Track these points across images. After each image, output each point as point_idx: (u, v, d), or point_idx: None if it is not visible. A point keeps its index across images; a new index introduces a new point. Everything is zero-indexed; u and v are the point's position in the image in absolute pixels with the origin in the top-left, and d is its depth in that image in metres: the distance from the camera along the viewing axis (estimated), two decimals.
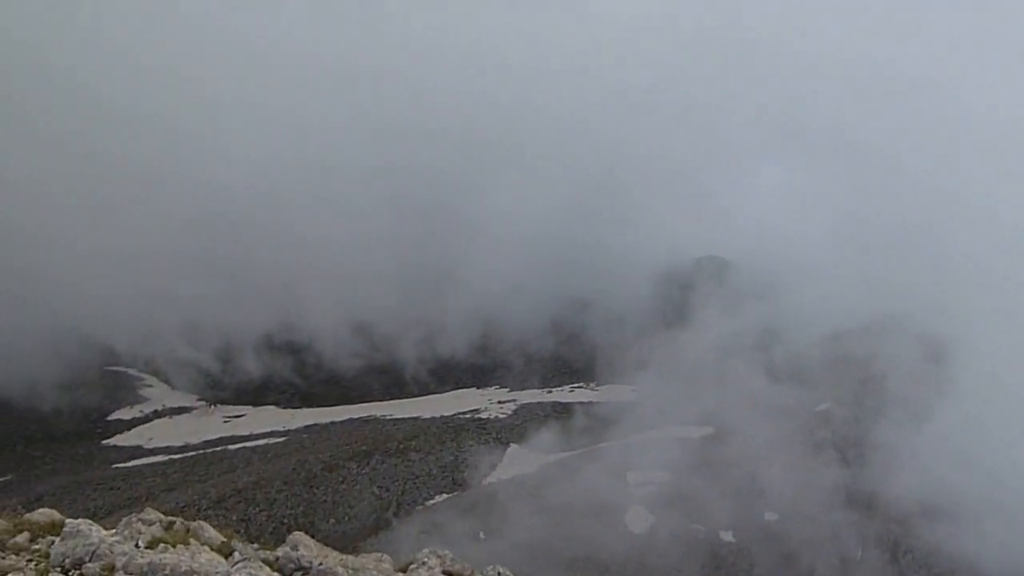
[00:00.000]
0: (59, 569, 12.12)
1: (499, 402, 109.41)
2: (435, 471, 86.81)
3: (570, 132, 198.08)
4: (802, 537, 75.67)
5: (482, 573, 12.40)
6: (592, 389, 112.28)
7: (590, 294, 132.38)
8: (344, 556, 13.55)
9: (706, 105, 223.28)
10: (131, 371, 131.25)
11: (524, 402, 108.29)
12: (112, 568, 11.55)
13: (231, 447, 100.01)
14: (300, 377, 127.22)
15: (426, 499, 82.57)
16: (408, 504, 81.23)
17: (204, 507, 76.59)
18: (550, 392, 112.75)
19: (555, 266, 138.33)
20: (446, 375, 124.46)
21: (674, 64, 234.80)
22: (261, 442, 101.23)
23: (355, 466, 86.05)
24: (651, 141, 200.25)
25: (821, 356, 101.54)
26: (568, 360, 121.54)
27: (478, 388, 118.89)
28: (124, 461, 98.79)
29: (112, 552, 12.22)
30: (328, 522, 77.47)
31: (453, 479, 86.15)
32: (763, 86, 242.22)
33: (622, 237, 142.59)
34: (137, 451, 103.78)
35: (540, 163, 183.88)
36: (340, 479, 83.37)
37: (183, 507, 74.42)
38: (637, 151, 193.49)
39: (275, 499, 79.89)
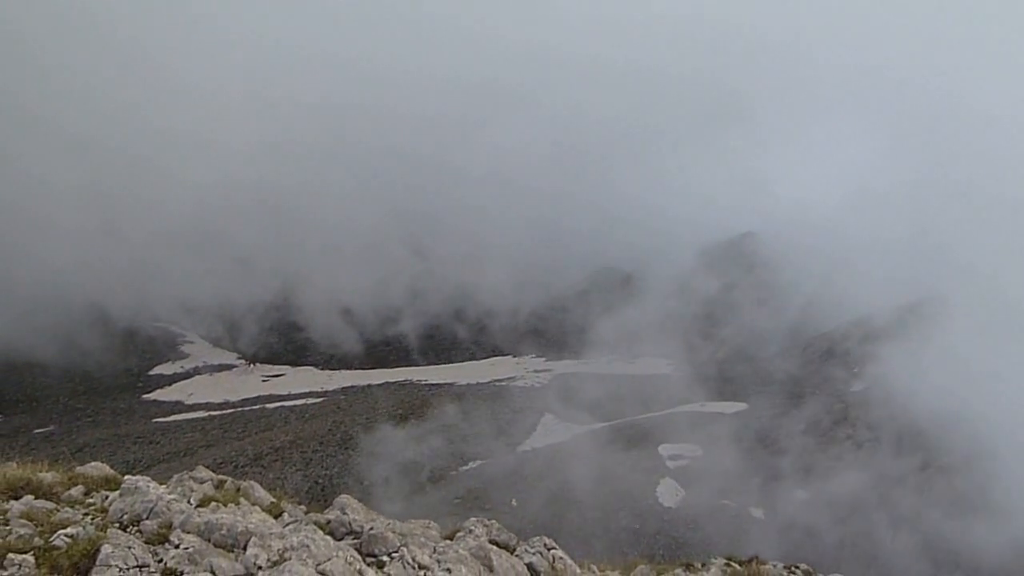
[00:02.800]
0: (117, 525, 12.43)
1: (535, 371, 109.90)
2: (469, 437, 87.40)
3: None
4: (829, 514, 75.75)
5: (528, 543, 12.65)
6: (628, 361, 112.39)
7: (630, 265, 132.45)
8: (391, 521, 13.85)
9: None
10: (173, 327, 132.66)
11: (560, 372, 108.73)
12: (170, 526, 11.89)
13: (269, 406, 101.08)
14: (340, 340, 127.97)
15: (460, 465, 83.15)
16: (441, 469, 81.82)
17: (241, 464, 77.68)
18: (586, 363, 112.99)
19: (592, 236, 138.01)
20: (484, 342, 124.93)
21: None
22: (299, 402, 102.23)
23: (390, 429, 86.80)
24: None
25: (858, 335, 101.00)
26: (604, 332, 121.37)
27: (514, 356, 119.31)
28: (164, 416, 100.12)
29: (169, 510, 12.57)
30: (363, 484, 78.24)
31: (487, 445, 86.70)
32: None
33: (660, 208, 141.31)
34: (177, 406, 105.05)
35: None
36: (375, 442, 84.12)
37: (220, 463, 75.50)
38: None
39: (311, 459, 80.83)
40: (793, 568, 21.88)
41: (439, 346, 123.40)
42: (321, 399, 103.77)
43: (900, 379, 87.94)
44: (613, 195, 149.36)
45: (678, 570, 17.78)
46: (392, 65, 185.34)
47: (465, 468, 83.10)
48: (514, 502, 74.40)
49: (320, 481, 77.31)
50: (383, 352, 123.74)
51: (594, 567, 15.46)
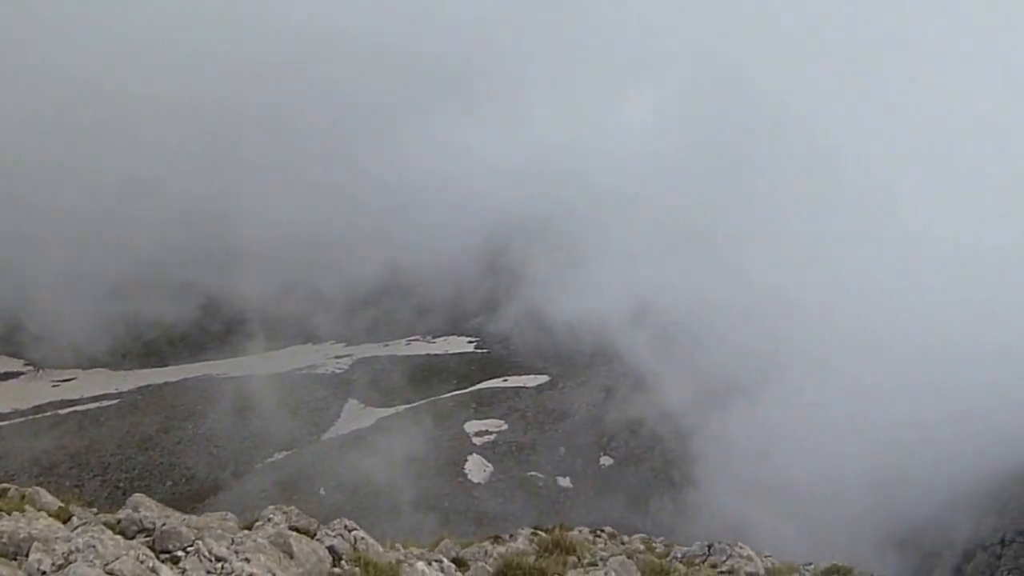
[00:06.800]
0: None
1: (335, 357, 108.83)
2: (272, 429, 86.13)
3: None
4: (635, 480, 78.14)
5: (328, 527, 12.53)
6: (429, 341, 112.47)
7: (425, 244, 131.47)
8: (187, 516, 13.49)
9: None
10: None
11: (361, 356, 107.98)
12: None
13: (61, 411, 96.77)
14: (131, 337, 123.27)
15: (265, 457, 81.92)
16: (246, 463, 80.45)
17: (36, 474, 74.42)
18: (387, 345, 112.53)
19: (385, 213, 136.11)
20: (281, 330, 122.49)
21: None
22: (93, 405, 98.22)
23: (191, 426, 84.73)
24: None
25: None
26: (402, 313, 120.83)
27: (313, 344, 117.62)
28: None
29: None
30: (165, 484, 76.20)
31: (291, 436, 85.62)
32: None
33: (448, 183, 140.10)
34: None
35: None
36: (176, 440, 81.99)
37: (13, 475, 72.00)
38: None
39: (109, 463, 78.23)
40: (599, 532, 22.35)
41: (234, 338, 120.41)
42: (116, 400, 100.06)
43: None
44: (404, 173, 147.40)
45: (485, 543, 17.88)
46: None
47: (270, 460, 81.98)
48: (322, 491, 73.82)
49: (121, 485, 74.94)
50: (178, 348, 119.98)
51: (399, 545, 15.43)
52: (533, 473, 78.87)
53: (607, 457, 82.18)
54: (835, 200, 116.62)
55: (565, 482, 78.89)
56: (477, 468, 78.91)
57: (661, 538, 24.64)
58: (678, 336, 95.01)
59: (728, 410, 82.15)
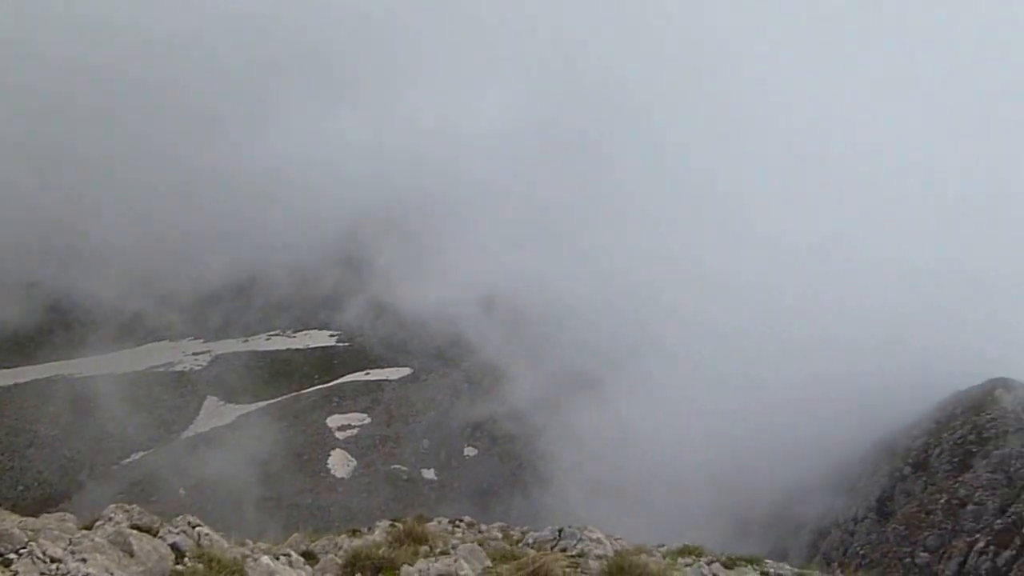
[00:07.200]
0: None
1: (194, 354, 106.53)
2: (129, 429, 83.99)
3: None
4: (501, 470, 78.82)
5: (171, 524, 12.32)
6: (289, 336, 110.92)
7: (283, 237, 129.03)
8: (23, 519, 13.13)
9: None
10: None
11: (220, 353, 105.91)
12: None
13: None
14: None
15: (121, 458, 79.89)
16: (102, 465, 78.35)
17: None
18: (246, 341, 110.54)
19: (244, 206, 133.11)
20: (138, 328, 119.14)
21: None
22: None
23: (42, 429, 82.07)
24: None
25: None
26: (261, 307, 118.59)
27: (170, 341, 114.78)
28: None
29: None
30: (16, 489, 73.74)
31: (149, 436, 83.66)
32: None
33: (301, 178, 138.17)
34: None
35: None
36: (26, 444, 79.36)
37: None
38: None
39: None
40: (458, 522, 22.44)
41: (86, 337, 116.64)
42: None
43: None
44: (265, 164, 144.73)
45: (342, 536, 17.85)
46: None
47: (127, 461, 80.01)
48: (182, 491, 72.47)
49: None
50: (26, 349, 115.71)
51: (249, 541, 15.27)
52: (397, 466, 78.87)
53: (471, 448, 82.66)
54: (688, 194, 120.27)
55: (430, 474, 79.10)
56: (340, 463, 78.50)
57: (521, 526, 24.96)
58: (529, 326, 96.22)
59: (584, 399, 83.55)
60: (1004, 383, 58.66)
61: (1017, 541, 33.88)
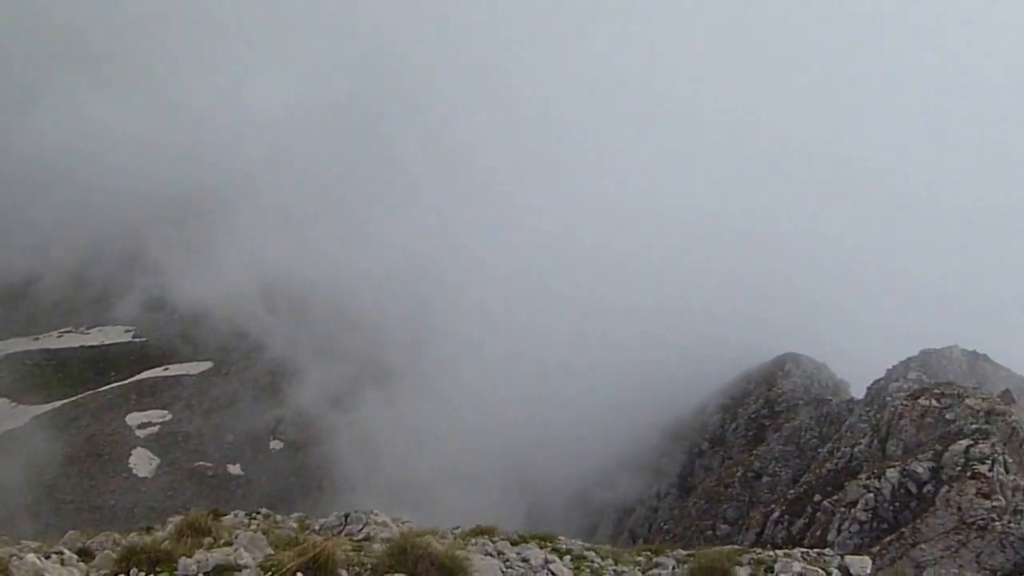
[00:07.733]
0: None
1: None
2: None
3: None
4: (308, 462, 79.04)
5: None
6: (83, 332, 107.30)
7: (64, 229, 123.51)
8: None
9: None
10: None
11: (8, 352, 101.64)
12: None
13: None
14: None
15: None
16: None
17: None
18: (36, 339, 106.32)
19: (21, 199, 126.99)
20: None
21: None
22: None
23: None
24: None
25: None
26: (47, 304, 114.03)
27: None
28: None
29: None
30: None
31: None
32: None
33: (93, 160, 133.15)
34: None
35: None
36: None
37: None
38: None
39: None
40: (254, 514, 23.00)
41: None
42: None
43: None
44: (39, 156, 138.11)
45: (132, 535, 18.14)
46: None
47: None
48: None
49: None
50: None
51: (25, 541, 15.75)
52: (202, 463, 77.97)
53: (277, 441, 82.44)
54: (470, 189, 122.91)
55: (236, 469, 78.50)
56: (142, 461, 77.00)
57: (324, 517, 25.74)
58: (314, 311, 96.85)
59: (375, 393, 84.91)
60: (794, 358, 62.93)
61: (809, 510, 36.51)
